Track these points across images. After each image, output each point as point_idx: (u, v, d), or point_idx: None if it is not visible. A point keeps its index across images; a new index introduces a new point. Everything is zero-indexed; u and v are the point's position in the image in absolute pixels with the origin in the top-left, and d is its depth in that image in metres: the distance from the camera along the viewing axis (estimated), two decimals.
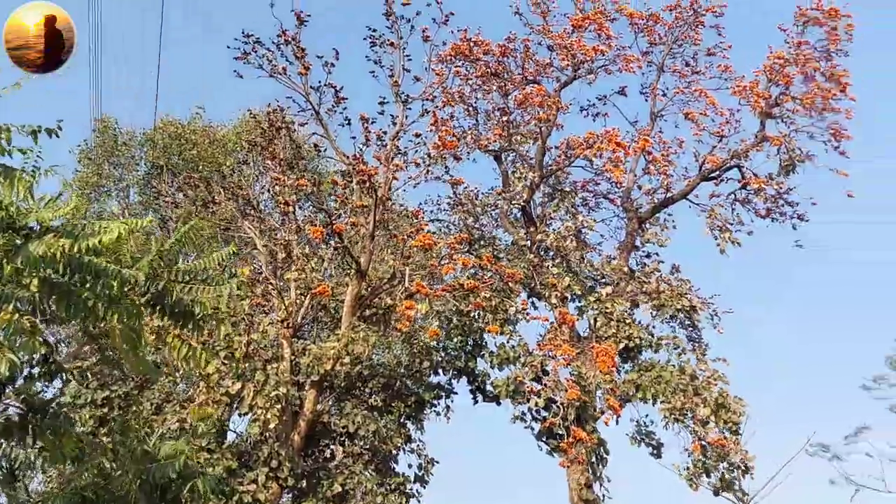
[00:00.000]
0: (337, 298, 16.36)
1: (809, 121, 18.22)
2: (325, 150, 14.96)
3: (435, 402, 16.99)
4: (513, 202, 18.51)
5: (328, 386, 16.30)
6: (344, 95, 14.79)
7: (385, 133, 15.19)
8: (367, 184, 13.84)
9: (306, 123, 14.86)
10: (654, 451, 16.68)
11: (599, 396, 15.67)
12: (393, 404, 16.22)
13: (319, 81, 14.78)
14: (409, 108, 15.86)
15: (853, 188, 17.99)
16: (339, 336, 14.73)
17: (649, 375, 15.60)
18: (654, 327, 17.56)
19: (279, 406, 13.50)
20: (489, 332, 14.95)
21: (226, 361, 13.93)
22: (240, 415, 13.70)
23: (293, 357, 15.26)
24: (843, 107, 17.50)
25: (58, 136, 7.05)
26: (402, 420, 16.25)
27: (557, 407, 13.95)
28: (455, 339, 16.94)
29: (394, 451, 15.86)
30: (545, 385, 14.24)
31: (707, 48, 19.78)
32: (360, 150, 13.83)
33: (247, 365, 14.11)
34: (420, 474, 16.24)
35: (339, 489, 14.11)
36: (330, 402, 15.83)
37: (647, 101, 20.57)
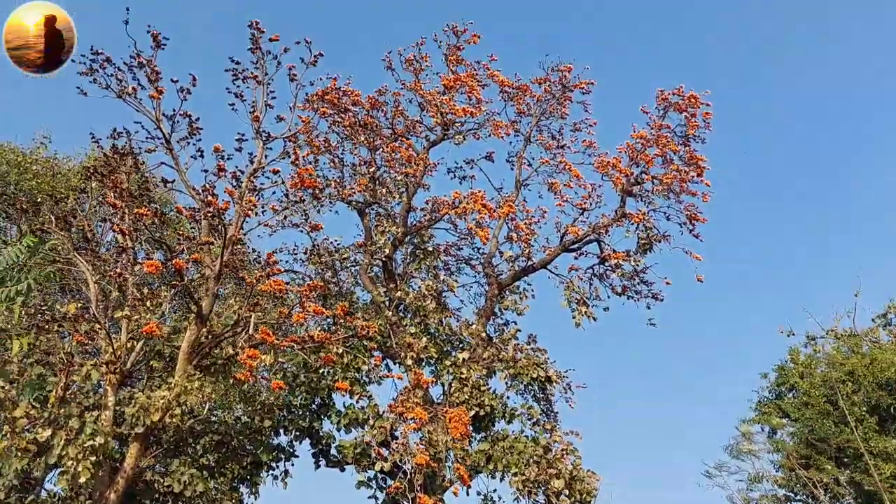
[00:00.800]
0: (174, 345, 14.96)
1: (667, 202, 18.84)
2: (174, 182, 13.80)
3: (273, 464, 15.70)
4: (374, 256, 17.88)
5: (155, 441, 14.69)
6: (199, 126, 13.80)
7: (242, 172, 14.27)
8: (217, 220, 12.80)
9: (154, 150, 13.70)
10: None
11: (449, 466, 14.96)
12: (227, 465, 14.82)
13: (174, 109, 13.76)
14: (270, 148, 15.04)
15: (704, 272, 18.62)
16: (172, 385, 13.34)
17: (502, 446, 15.07)
18: (508, 397, 17.19)
19: (94, 458, 11.90)
20: (338, 389, 14.00)
21: (35, 405, 12.24)
22: (46, 466, 11.94)
23: (118, 406, 13.68)
24: (699, 190, 18.16)
25: None
26: (234, 483, 14.85)
27: (404, 473, 13.07)
28: (300, 397, 15.87)
29: None
30: (394, 449, 13.37)
31: (573, 123, 20.25)
32: (212, 182, 12.79)
33: (62, 410, 12.46)
34: None
35: None
36: (155, 459, 14.19)
37: (512, 169, 20.72)
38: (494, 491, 15.99)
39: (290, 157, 14.66)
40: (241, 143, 14.45)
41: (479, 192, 17.10)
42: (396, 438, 13.88)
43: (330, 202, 18.56)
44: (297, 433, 15.90)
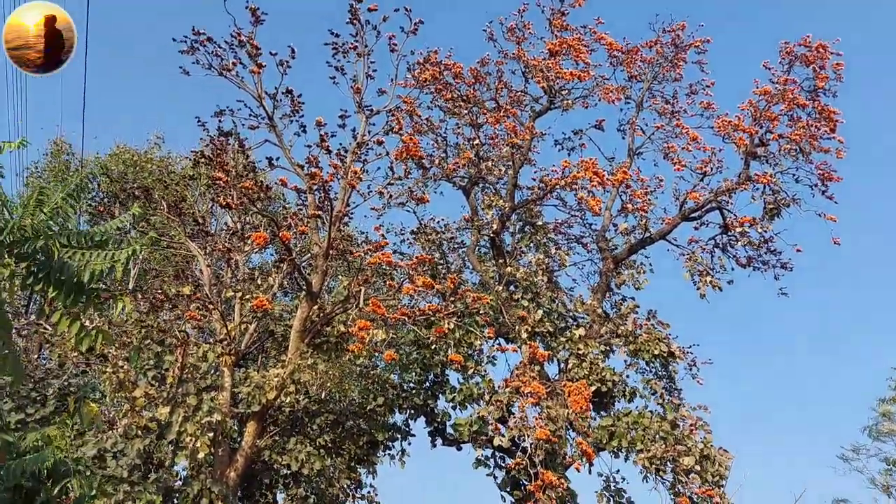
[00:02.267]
0: (285, 324, 14.91)
1: (795, 163, 17.46)
2: (278, 159, 13.66)
3: (390, 443, 15.44)
4: (482, 232, 17.34)
5: (271, 421, 14.69)
6: (301, 101, 13.63)
7: (345, 149, 14.02)
8: (322, 193, 12.57)
9: (257, 127, 13.63)
10: None
11: (570, 442, 14.26)
12: (343, 445, 14.64)
13: (275, 87, 13.65)
14: (373, 124, 14.76)
15: (840, 234, 17.18)
16: (285, 363, 13.25)
17: (626, 421, 14.23)
18: (627, 376, 16.32)
19: (211, 434, 11.91)
20: (452, 362, 13.49)
21: (153, 383, 12.38)
22: (167, 443, 12.03)
23: (234, 388, 13.72)
24: (832, 147, 16.71)
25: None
26: (351, 463, 14.65)
27: (523, 450, 12.46)
28: (414, 374, 15.53)
29: (342, 497, 14.21)
30: (512, 425, 12.78)
31: (689, 84, 19.12)
32: (315, 155, 12.56)
33: (180, 389, 12.55)
34: None
35: None
36: (273, 439, 14.15)
37: (624, 138, 19.78)
38: (618, 471, 15.19)
39: (393, 130, 14.34)
40: (344, 120, 14.22)
41: (591, 159, 16.25)
42: (513, 414, 13.29)
43: (434, 181, 18.18)
44: (412, 411, 15.57)
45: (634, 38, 19.30)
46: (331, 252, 13.75)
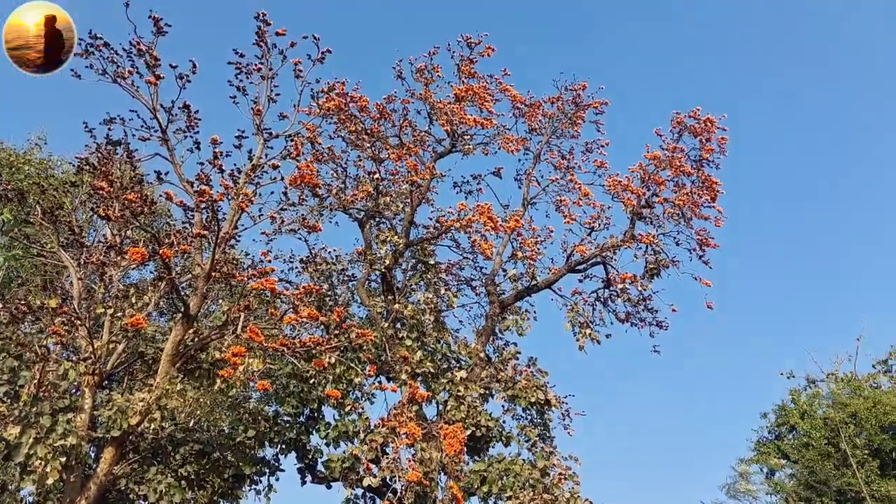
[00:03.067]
0: (157, 346, 14.24)
1: (677, 228, 18.26)
2: (167, 174, 13.13)
3: (257, 478, 14.88)
4: (374, 266, 17.20)
5: (132, 448, 13.91)
6: (198, 117, 13.22)
7: (239, 171, 13.66)
8: (210, 213, 12.16)
9: (149, 139, 13.10)
10: None
11: (441, 486, 14.16)
12: (207, 477, 14.01)
13: (171, 101, 13.18)
14: (270, 147, 14.48)
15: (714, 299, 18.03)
16: (153, 387, 12.62)
17: (498, 468, 14.28)
18: (504, 421, 16.45)
19: (63, 459, 11.14)
20: (329, 396, 13.19)
21: (5, 400, 11.51)
22: (14, 465, 11.15)
23: (94, 411, 12.93)
24: (711, 215, 17.60)
25: None
26: (214, 497, 14.02)
27: (394, 491, 12.28)
28: (289, 408, 15.09)
29: None
30: (384, 465, 12.58)
31: (585, 142, 19.74)
32: (206, 173, 12.14)
33: (34, 409, 11.70)
34: None
35: None
36: (131, 467, 13.38)
37: (520, 187, 20.18)
38: None
39: (290, 156, 14.09)
40: (241, 140, 13.85)
41: (486, 204, 16.48)
42: (387, 455, 13.10)
43: (330, 211, 18.00)
44: (284, 446, 15.09)
45: (538, 93, 19.83)
46: (213, 274, 13.28)
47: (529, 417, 16.83)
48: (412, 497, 12.21)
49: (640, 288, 18.44)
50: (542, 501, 13.15)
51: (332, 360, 13.58)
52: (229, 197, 12.98)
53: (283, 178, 13.30)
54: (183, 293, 13.35)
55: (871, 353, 41.36)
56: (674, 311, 18.61)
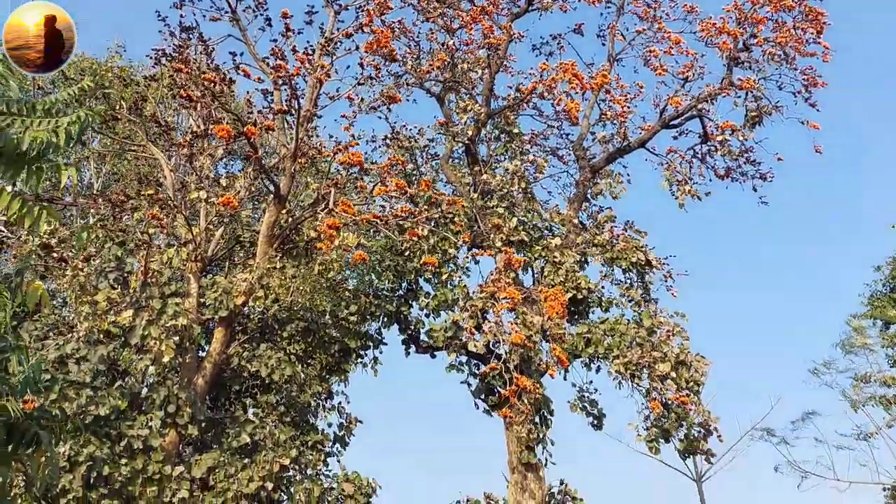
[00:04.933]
0: (253, 230, 14.42)
1: (779, 69, 16.98)
2: (242, 54, 12.89)
3: (362, 352, 15.18)
4: (456, 139, 16.78)
5: (241, 329, 14.34)
6: None
7: (313, 48, 13.29)
8: (290, 90, 11.91)
9: (219, 19, 12.86)
10: (595, 422, 15.13)
11: (545, 349, 14.10)
12: (314, 353, 14.35)
13: None
14: (341, 21, 14.04)
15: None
16: (253, 268, 12.83)
17: (602, 328, 14.07)
18: (603, 287, 16.13)
19: (176, 338, 11.54)
20: (426, 264, 13.10)
21: (115, 286, 11.91)
22: (131, 346, 11.64)
23: (200, 294, 13.29)
24: (818, 51, 16.22)
25: None
26: (323, 372, 14.40)
27: (497, 357, 12.26)
28: (386, 282, 15.16)
29: (312, 404, 14.00)
30: (486, 330, 12.54)
31: None
32: (281, 48, 11.82)
33: (143, 294, 12.10)
34: (341, 434, 14.38)
35: (248, 440, 12.18)
36: (241, 347, 13.81)
37: (604, 44, 19.14)
38: (590, 382, 15.14)
39: (363, 27, 13.59)
40: (312, 16, 13.45)
41: (570, 62, 15.65)
42: (488, 320, 13.06)
43: (407, 87, 17.56)
44: (385, 319, 15.24)
45: None
46: (299, 155, 13.21)
47: (630, 281, 16.42)
48: (517, 360, 12.19)
49: (741, 138, 17.44)
50: (651, 359, 12.93)
51: (425, 232, 13.44)
52: (306, 72, 12.69)
53: (357, 48, 12.85)
54: (272, 175, 13.35)
55: None
56: (780, 160, 17.64)
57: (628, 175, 19.15)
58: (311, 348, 14.40)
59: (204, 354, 13.29)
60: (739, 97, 17.15)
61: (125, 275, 12.36)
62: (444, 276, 14.14)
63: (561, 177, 20.41)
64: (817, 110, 17.00)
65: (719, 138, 17.57)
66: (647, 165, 18.34)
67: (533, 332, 12.97)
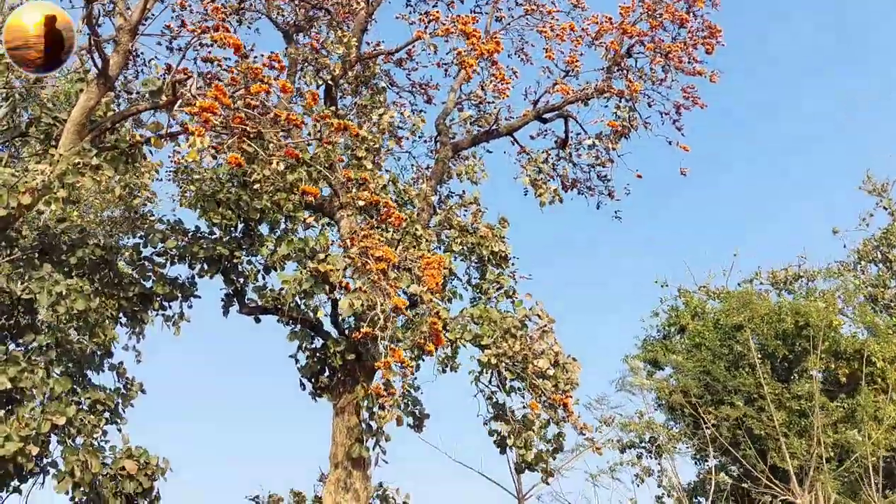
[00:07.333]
0: (55, 115, 10.75)
1: (657, 85, 16.35)
2: None
3: (166, 302, 11.91)
4: (320, 73, 14.19)
5: (11, 244, 10.53)
6: None
7: None
8: None
9: None
10: (416, 424, 13.15)
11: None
12: (112, 292, 10.91)
13: None
14: None
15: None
16: (54, 159, 9.37)
17: (469, 314, 12.16)
18: (468, 273, 14.51)
19: None
20: (306, 193, 10.27)
21: None
22: None
23: None
24: (706, 69, 15.76)
25: None
26: (119, 315, 11.02)
27: (373, 322, 9.79)
28: (219, 218, 11.94)
29: (98, 354, 10.58)
30: (360, 285, 10.04)
31: None
32: None
33: None
34: (126, 393, 11.03)
35: (9, 386, 8.63)
36: (11, 264, 10.06)
37: (477, 20, 17.51)
38: (415, 378, 13.11)
39: None
40: None
41: (469, 15, 13.82)
42: (356, 278, 10.56)
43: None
44: (206, 265, 11.99)
45: None
46: (139, 29, 10.08)
47: (485, 271, 14.72)
48: (392, 328, 9.84)
49: (607, 146, 16.63)
50: (531, 353, 11.22)
51: (282, 167, 10.75)
52: None
53: None
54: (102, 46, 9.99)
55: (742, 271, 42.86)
56: (639, 176, 16.93)
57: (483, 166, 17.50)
58: (105, 285, 10.95)
59: None
60: (607, 106, 16.29)
61: None
62: (302, 221, 11.43)
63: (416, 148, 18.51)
64: (682, 134, 16.58)
65: (587, 142, 16.68)
66: (507, 156, 16.83)
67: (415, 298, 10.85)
